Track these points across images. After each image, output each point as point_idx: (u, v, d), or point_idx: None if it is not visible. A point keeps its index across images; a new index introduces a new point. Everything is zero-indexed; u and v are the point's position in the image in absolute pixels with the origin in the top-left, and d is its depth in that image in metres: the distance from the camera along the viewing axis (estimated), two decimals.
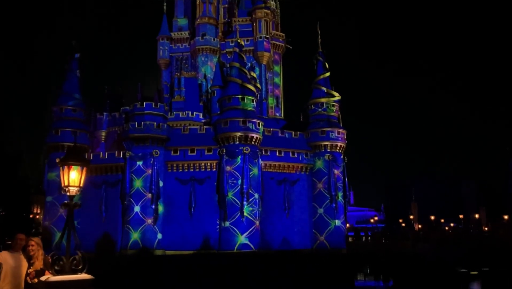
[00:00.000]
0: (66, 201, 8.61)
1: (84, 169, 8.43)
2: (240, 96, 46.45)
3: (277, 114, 62.81)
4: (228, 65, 50.44)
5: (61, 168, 8.38)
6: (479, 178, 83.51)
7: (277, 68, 65.30)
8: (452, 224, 71.83)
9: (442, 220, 74.58)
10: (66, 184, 8.28)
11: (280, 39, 64.83)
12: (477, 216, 62.75)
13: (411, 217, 65.31)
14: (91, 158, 48.14)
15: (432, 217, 68.61)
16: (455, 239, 46.96)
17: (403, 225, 73.06)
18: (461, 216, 67.27)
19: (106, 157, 47.80)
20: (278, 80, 64.93)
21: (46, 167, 47.46)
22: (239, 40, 50.10)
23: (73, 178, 8.28)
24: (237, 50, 48.96)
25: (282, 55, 66.12)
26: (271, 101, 62.80)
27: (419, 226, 70.19)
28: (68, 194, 8.40)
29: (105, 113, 55.15)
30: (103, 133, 54.71)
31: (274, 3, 66.76)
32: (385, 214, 74.64)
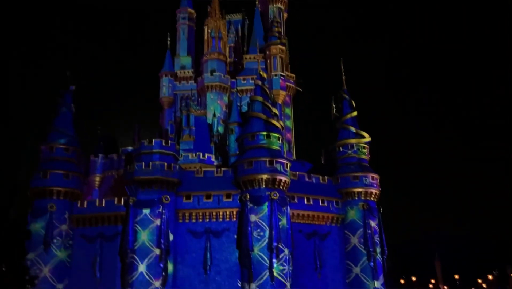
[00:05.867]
0: None
1: None
2: (265, 133, 40.03)
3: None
4: (249, 100, 44.36)
5: None
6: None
7: (288, 111, 59.67)
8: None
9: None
10: None
11: (291, 80, 59.61)
12: None
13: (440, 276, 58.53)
14: (85, 205, 40.26)
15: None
16: None
17: (430, 285, 65.83)
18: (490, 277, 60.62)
19: (104, 204, 39.91)
20: (289, 123, 59.05)
21: (28, 217, 39.12)
22: (261, 72, 44.32)
23: None
24: (260, 83, 43.12)
25: (292, 97, 60.80)
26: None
27: (445, 287, 63.31)
28: None
29: (100, 155, 47.66)
30: (97, 178, 46.98)
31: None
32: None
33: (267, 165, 38.47)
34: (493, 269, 68.77)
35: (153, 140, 39.48)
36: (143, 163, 38.09)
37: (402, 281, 64.18)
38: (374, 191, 43.75)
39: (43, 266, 37.41)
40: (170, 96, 54.92)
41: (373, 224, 42.80)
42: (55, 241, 38.38)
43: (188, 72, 57.65)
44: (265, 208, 37.75)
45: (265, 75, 46.61)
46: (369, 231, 41.99)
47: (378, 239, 42.82)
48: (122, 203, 39.25)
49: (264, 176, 38.16)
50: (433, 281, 63.14)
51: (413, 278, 59.73)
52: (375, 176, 44.37)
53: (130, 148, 46.73)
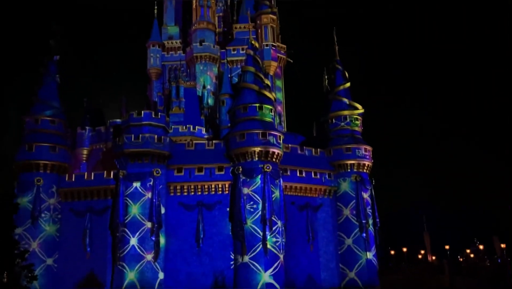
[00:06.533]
0: None
1: None
2: (257, 105, 39.14)
3: None
4: (241, 70, 43.22)
5: None
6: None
7: (279, 83, 58.56)
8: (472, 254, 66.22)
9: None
10: None
11: (282, 51, 58.24)
12: None
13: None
14: (73, 179, 39.31)
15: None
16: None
17: (420, 256, 66.79)
18: (481, 247, 61.64)
19: (93, 178, 38.98)
20: (280, 95, 58.03)
21: (15, 191, 38.10)
22: (252, 42, 43.06)
23: None
24: (251, 52, 41.90)
25: (283, 69, 59.57)
26: None
27: (433, 257, 64.20)
28: None
29: (87, 127, 46.35)
30: (85, 151, 45.73)
31: None
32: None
33: (260, 137, 37.76)
34: (480, 239, 69.97)
35: (142, 112, 38.41)
36: (133, 135, 37.08)
37: (392, 252, 64.90)
38: (366, 163, 43.44)
39: (31, 240, 36.73)
40: (158, 67, 53.45)
41: (365, 195, 42.67)
42: (43, 215, 37.60)
43: (176, 42, 56.15)
44: (258, 180, 37.23)
45: (257, 44, 45.43)
46: (362, 203, 41.89)
47: (370, 210, 42.78)
48: (112, 176, 38.43)
49: (257, 149, 37.49)
50: (422, 252, 63.91)
51: (404, 249, 60.39)
52: (368, 148, 43.98)
53: (118, 120, 45.45)
